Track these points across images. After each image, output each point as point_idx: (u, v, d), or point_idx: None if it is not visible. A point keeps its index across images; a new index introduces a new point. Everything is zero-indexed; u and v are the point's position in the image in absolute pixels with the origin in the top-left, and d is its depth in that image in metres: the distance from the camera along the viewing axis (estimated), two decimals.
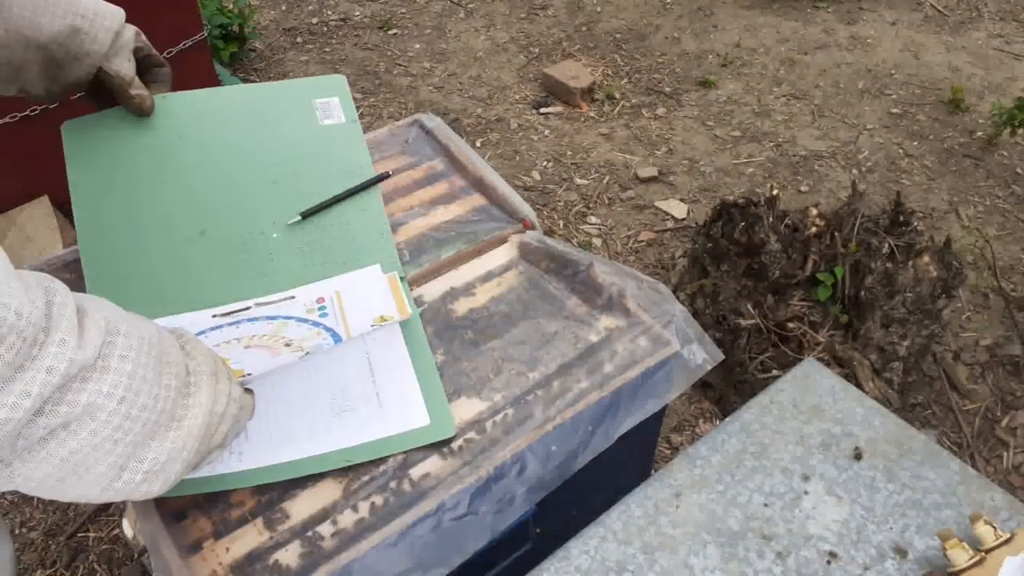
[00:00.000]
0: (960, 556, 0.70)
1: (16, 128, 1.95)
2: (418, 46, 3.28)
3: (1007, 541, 0.70)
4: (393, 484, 0.83)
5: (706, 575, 0.77)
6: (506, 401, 0.91)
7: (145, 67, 1.02)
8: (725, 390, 1.96)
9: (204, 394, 0.71)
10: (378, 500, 0.82)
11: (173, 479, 0.68)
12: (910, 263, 1.87)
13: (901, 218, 1.92)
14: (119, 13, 0.94)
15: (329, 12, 3.46)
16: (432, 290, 1.04)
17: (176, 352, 0.70)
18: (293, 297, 0.94)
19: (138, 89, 0.98)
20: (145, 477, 0.65)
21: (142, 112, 1.00)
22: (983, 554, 0.69)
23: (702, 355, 0.96)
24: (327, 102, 1.17)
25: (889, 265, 1.86)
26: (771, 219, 1.93)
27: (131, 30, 0.96)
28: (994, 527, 0.72)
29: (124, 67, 0.96)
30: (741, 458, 0.86)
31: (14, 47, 0.87)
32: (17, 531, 1.72)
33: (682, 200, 2.58)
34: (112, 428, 0.61)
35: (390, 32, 3.36)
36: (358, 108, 2.94)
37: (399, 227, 1.12)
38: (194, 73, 2.29)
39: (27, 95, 0.94)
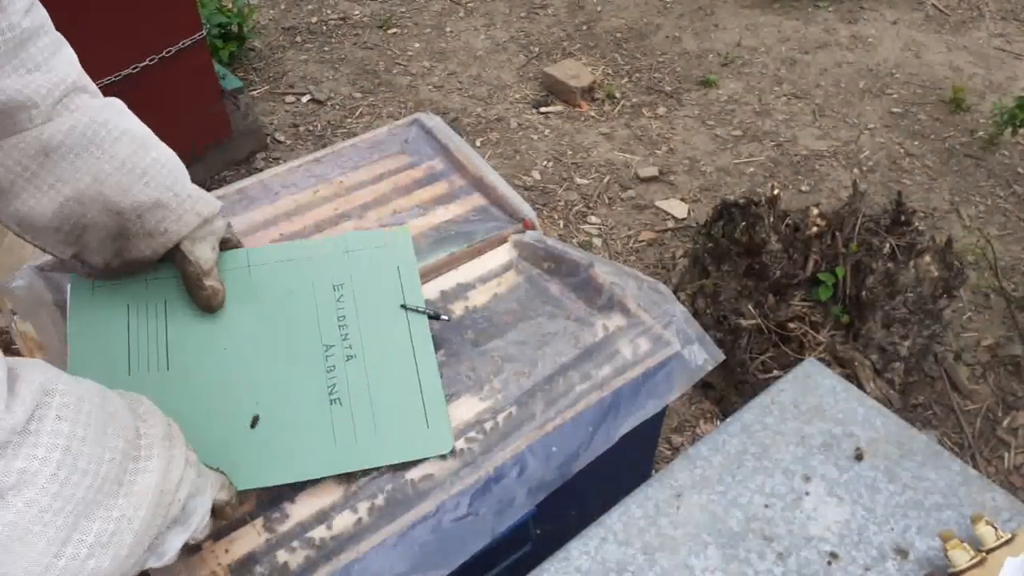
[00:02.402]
0: (961, 556, 0.69)
1: None
2: (418, 45, 3.28)
3: (1008, 541, 0.70)
4: (393, 485, 0.83)
5: None
6: (506, 401, 0.90)
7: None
8: (726, 390, 1.96)
9: (156, 459, 0.63)
10: (378, 501, 0.82)
11: (126, 553, 0.60)
12: (911, 263, 1.86)
13: (902, 218, 1.92)
14: (215, 203, 0.86)
15: (328, 11, 3.46)
16: (432, 290, 1.03)
17: (125, 414, 0.64)
18: None
19: (213, 281, 0.87)
20: (91, 552, 0.57)
21: (211, 308, 0.88)
22: (984, 555, 0.69)
23: (703, 355, 0.96)
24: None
25: (890, 265, 1.85)
26: (772, 219, 1.92)
27: (223, 221, 0.89)
28: (995, 527, 0.72)
29: (206, 254, 0.86)
30: (742, 459, 0.86)
31: (89, 206, 0.77)
32: None
33: (683, 200, 2.58)
34: (51, 496, 0.54)
35: (390, 31, 3.35)
36: (357, 108, 2.95)
37: (399, 227, 1.12)
38: (193, 73, 2.29)
39: (82, 262, 0.83)
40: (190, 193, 0.83)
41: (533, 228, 1.12)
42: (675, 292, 2.04)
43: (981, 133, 2.83)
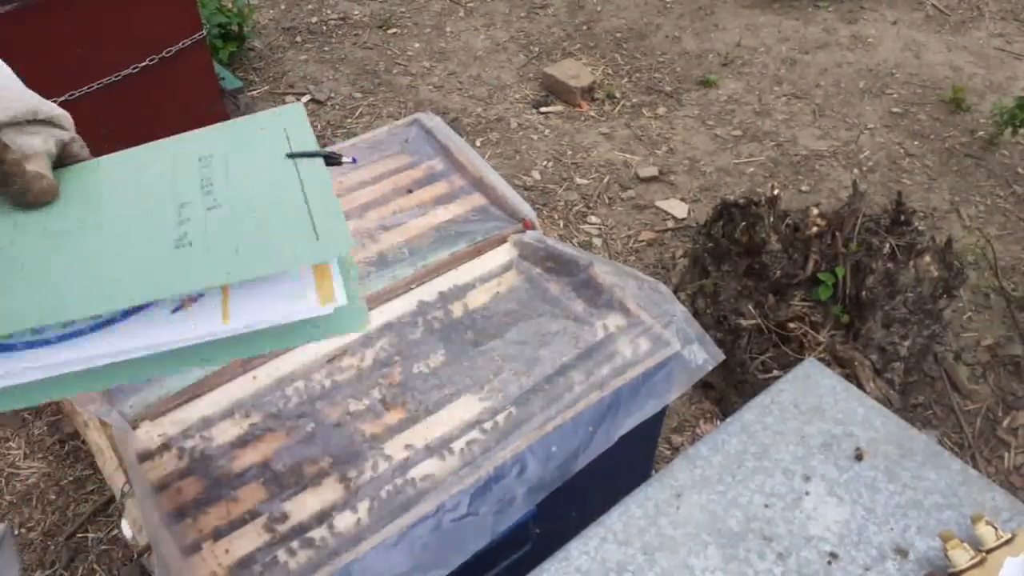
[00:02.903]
0: (961, 556, 0.69)
1: None
2: (418, 45, 3.28)
3: (1008, 541, 0.70)
4: (393, 485, 0.83)
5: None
6: (506, 401, 0.90)
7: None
8: (726, 390, 1.96)
9: None
10: (378, 501, 0.82)
11: None
12: (911, 263, 1.86)
13: (902, 218, 1.92)
14: (54, 109, 0.76)
15: (328, 11, 3.46)
16: (432, 290, 1.03)
17: None
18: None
19: (38, 166, 0.75)
20: None
21: (36, 198, 0.75)
22: (984, 555, 0.69)
23: (703, 355, 0.96)
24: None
25: (890, 265, 1.85)
26: (772, 219, 1.92)
27: (71, 134, 0.79)
28: (995, 528, 0.72)
29: (32, 142, 0.75)
30: (742, 459, 0.86)
31: None
32: (16, 532, 1.71)
33: (683, 200, 2.58)
34: None
35: (389, 31, 3.35)
36: (357, 108, 2.94)
37: (399, 227, 1.12)
38: (193, 73, 2.29)
39: None
40: (10, 84, 0.73)
41: (533, 228, 1.12)
42: (675, 292, 2.04)
43: (981, 133, 2.83)
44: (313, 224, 0.70)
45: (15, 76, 0.77)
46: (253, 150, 0.79)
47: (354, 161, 0.82)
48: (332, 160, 0.76)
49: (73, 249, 0.72)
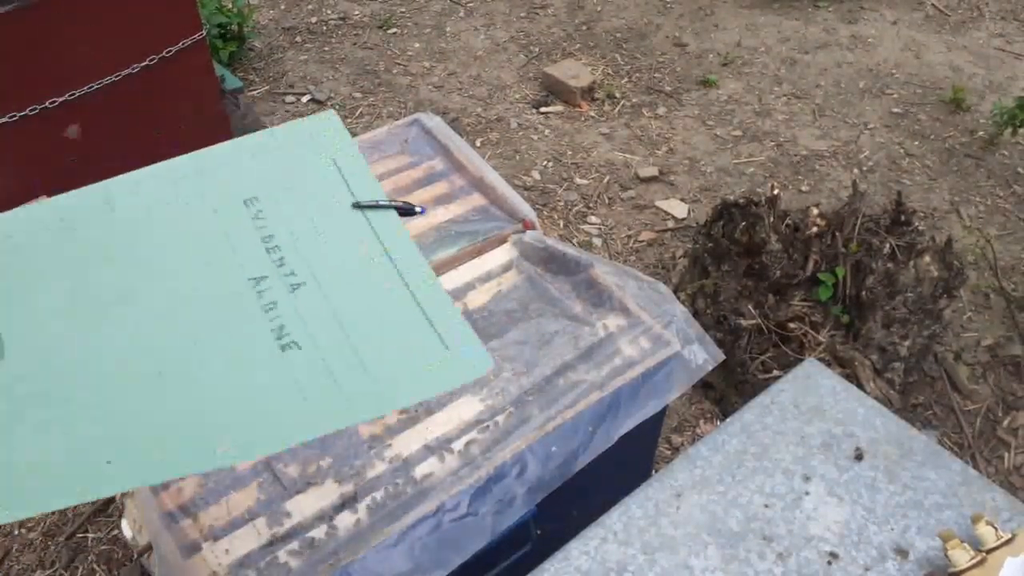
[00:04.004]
0: (961, 556, 0.69)
1: (15, 128, 1.95)
2: (418, 45, 3.28)
3: (1008, 541, 0.70)
4: (393, 485, 0.83)
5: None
6: (506, 401, 0.90)
7: None
8: (726, 390, 1.96)
9: None
10: (378, 501, 0.82)
11: None
12: (911, 263, 1.86)
13: (902, 218, 1.92)
14: None
15: (328, 11, 3.46)
16: None
17: None
18: None
19: None
20: None
21: None
22: (984, 554, 0.69)
23: (703, 355, 0.96)
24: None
25: (890, 265, 1.85)
26: (772, 219, 1.92)
27: None
28: (995, 528, 0.72)
29: None
30: (742, 459, 0.86)
31: None
32: (16, 531, 1.71)
33: (682, 200, 2.58)
34: None
35: (389, 31, 3.35)
36: (357, 108, 2.94)
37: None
38: (193, 73, 2.29)
39: None
40: None
41: (533, 228, 1.12)
42: (675, 292, 2.04)
43: (981, 133, 2.82)
44: (431, 323, 0.64)
45: None
46: (304, 188, 0.68)
47: (422, 211, 0.73)
48: (404, 212, 0.68)
49: (164, 379, 0.59)
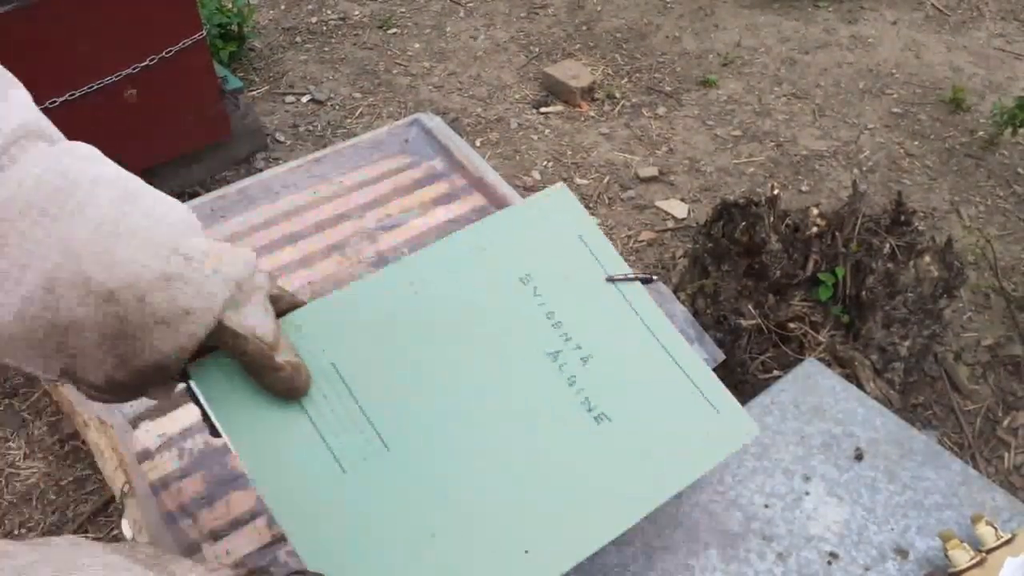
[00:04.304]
0: (961, 557, 0.69)
1: None
2: (418, 45, 3.28)
3: (1008, 542, 0.70)
4: None
5: None
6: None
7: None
8: None
9: None
10: None
11: None
12: (911, 263, 1.86)
13: (902, 218, 1.92)
14: (246, 256, 0.56)
15: (328, 11, 3.46)
16: None
17: None
18: None
19: (288, 355, 0.58)
20: None
21: (295, 392, 0.59)
22: (984, 555, 0.69)
23: (703, 355, 0.96)
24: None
25: (890, 265, 1.85)
26: (772, 219, 1.92)
27: (263, 274, 0.59)
28: (995, 528, 0.72)
29: (260, 320, 0.56)
30: (742, 458, 0.86)
31: (64, 293, 0.49)
32: (16, 531, 1.72)
33: (683, 200, 2.58)
34: None
35: (389, 31, 3.35)
36: (357, 108, 2.94)
37: (399, 227, 1.12)
38: (193, 73, 2.29)
39: (78, 383, 0.53)
40: (206, 250, 0.53)
41: None
42: (675, 292, 2.04)
43: (981, 133, 2.83)
44: (699, 389, 0.67)
45: (189, 217, 0.56)
46: (563, 264, 0.71)
47: (653, 280, 0.77)
48: (645, 281, 0.74)
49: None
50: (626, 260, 2.46)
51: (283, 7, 3.49)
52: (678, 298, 1.09)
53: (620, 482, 0.63)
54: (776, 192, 1.95)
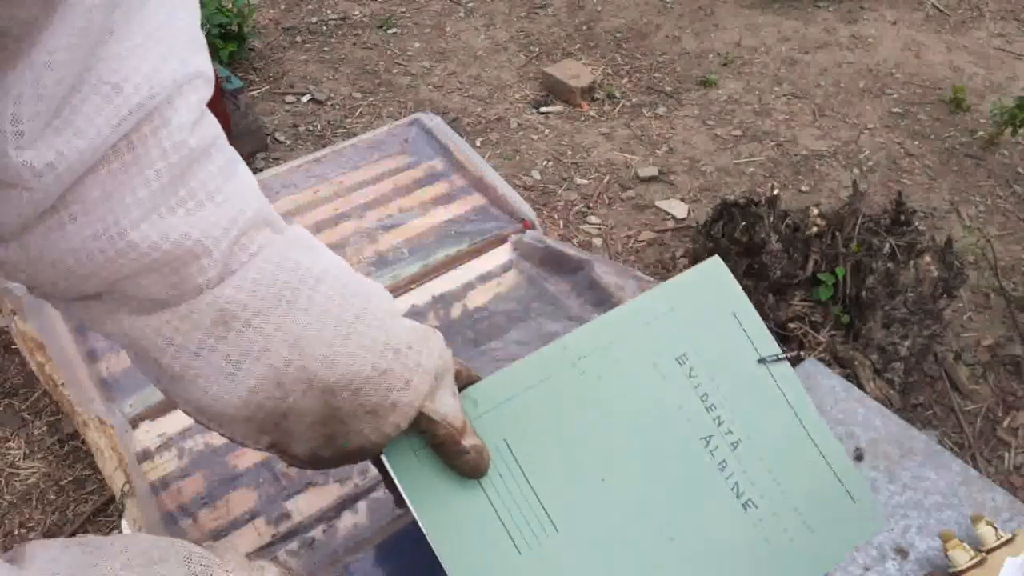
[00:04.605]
0: (961, 556, 0.69)
1: None
2: (418, 45, 3.28)
3: (1008, 541, 0.70)
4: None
5: None
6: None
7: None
8: None
9: None
10: (378, 501, 0.82)
11: None
12: (911, 263, 1.86)
13: (902, 218, 1.92)
14: (439, 343, 0.60)
15: (328, 11, 3.46)
16: (432, 290, 1.03)
17: None
18: None
19: (471, 439, 0.61)
20: None
21: (478, 472, 0.62)
22: (984, 555, 0.69)
23: None
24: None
25: (890, 265, 1.85)
26: (772, 219, 1.92)
27: (449, 352, 0.63)
28: (995, 528, 0.72)
29: (450, 406, 0.60)
30: None
31: (289, 386, 0.54)
32: (16, 532, 1.72)
33: (683, 200, 2.58)
34: None
35: (389, 31, 3.35)
36: (357, 108, 2.94)
37: (399, 227, 1.12)
38: None
39: (282, 454, 0.57)
40: (411, 343, 0.57)
41: (533, 228, 1.12)
42: None
43: (981, 133, 2.83)
44: (838, 476, 0.68)
45: (390, 304, 0.60)
46: (717, 343, 0.71)
47: (802, 358, 0.77)
48: (795, 361, 0.75)
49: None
50: (626, 260, 2.46)
51: (283, 7, 3.49)
52: None
53: (762, 570, 0.64)
54: (776, 192, 1.95)
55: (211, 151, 0.55)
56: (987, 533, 0.71)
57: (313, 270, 0.55)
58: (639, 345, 0.70)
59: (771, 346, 0.72)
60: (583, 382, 0.68)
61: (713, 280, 0.75)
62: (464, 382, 0.66)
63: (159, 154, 0.50)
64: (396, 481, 0.60)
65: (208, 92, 0.56)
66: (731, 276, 0.75)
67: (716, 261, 0.76)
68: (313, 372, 0.53)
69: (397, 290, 1.04)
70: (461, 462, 0.61)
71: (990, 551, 0.69)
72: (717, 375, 0.70)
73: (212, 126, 0.56)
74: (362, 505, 0.81)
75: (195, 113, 0.53)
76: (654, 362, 0.69)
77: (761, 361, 0.71)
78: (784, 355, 0.72)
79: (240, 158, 0.59)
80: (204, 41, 0.56)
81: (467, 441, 0.60)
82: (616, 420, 0.67)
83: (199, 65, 0.53)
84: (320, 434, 0.56)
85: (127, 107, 0.47)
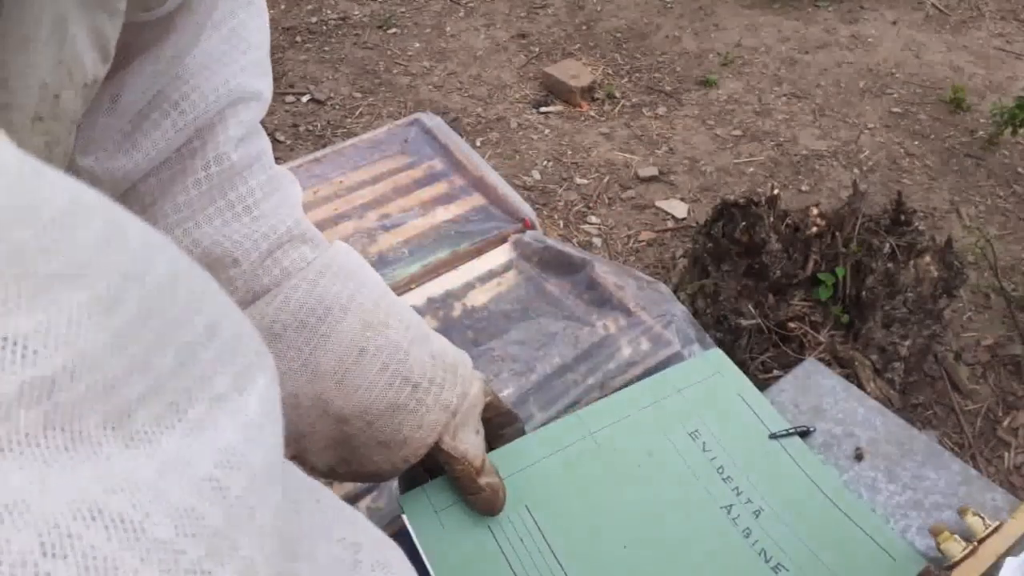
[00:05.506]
0: (954, 548, 0.69)
1: None
2: (418, 45, 3.28)
3: (997, 529, 0.70)
4: (394, 486, 0.83)
5: None
6: (506, 401, 0.90)
7: (492, 431, 0.67)
8: None
9: None
10: (380, 501, 0.82)
11: None
12: (911, 263, 1.87)
13: (902, 218, 1.92)
14: (465, 372, 0.61)
15: (328, 11, 3.46)
16: (432, 290, 1.04)
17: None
18: None
19: (489, 477, 0.62)
20: None
21: (493, 510, 0.63)
22: (975, 544, 0.69)
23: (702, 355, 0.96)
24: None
25: (890, 265, 1.85)
26: (772, 219, 1.92)
27: (478, 385, 0.63)
28: (982, 517, 0.72)
29: (471, 443, 0.61)
30: None
31: (306, 410, 0.56)
32: None
33: (683, 200, 2.58)
34: None
35: (389, 31, 3.35)
36: (357, 108, 2.94)
37: (399, 227, 1.12)
38: None
39: (304, 464, 0.60)
40: (432, 378, 0.58)
41: (533, 228, 1.12)
42: (675, 292, 2.04)
43: (981, 133, 2.83)
44: (870, 536, 0.70)
45: (422, 337, 0.60)
46: (728, 421, 0.75)
47: (812, 431, 0.81)
48: (804, 434, 0.79)
49: None
50: (626, 260, 2.46)
51: (283, 7, 3.49)
52: (678, 298, 1.09)
53: None
54: (776, 192, 1.96)
55: (253, 167, 0.56)
56: (975, 523, 0.71)
57: (340, 298, 0.56)
58: (651, 420, 0.73)
59: (779, 423, 0.75)
60: (600, 452, 0.70)
61: (716, 368, 0.79)
62: (493, 414, 0.67)
63: (202, 165, 0.53)
64: (415, 541, 0.61)
65: (261, 113, 0.57)
66: (732, 364, 0.79)
67: (718, 352, 0.81)
68: (328, 400, 0.55)
69: (397, 290, 1.04)
70: (476, 499, 0.62)
71: (981, 541, 0.70)
72: (730, 449, 0.72)
73: (258, 144, 0.57)
74: (362, 505, 0.81)
75: (243, 130, 0.55)
76: (668, 436, 0.72)
77: (773, 437, 0.74)
78: (794, 430, 0.75)
79: (289, 176, 0.60)
80: (269, 67, 0.58)
81: (483, 479, 0.61)
82: (636, 488, 0.68)
83: (258, 88, 0.56)
84: (335, 455, 0.58)
85: (183, 121, 0.50)
